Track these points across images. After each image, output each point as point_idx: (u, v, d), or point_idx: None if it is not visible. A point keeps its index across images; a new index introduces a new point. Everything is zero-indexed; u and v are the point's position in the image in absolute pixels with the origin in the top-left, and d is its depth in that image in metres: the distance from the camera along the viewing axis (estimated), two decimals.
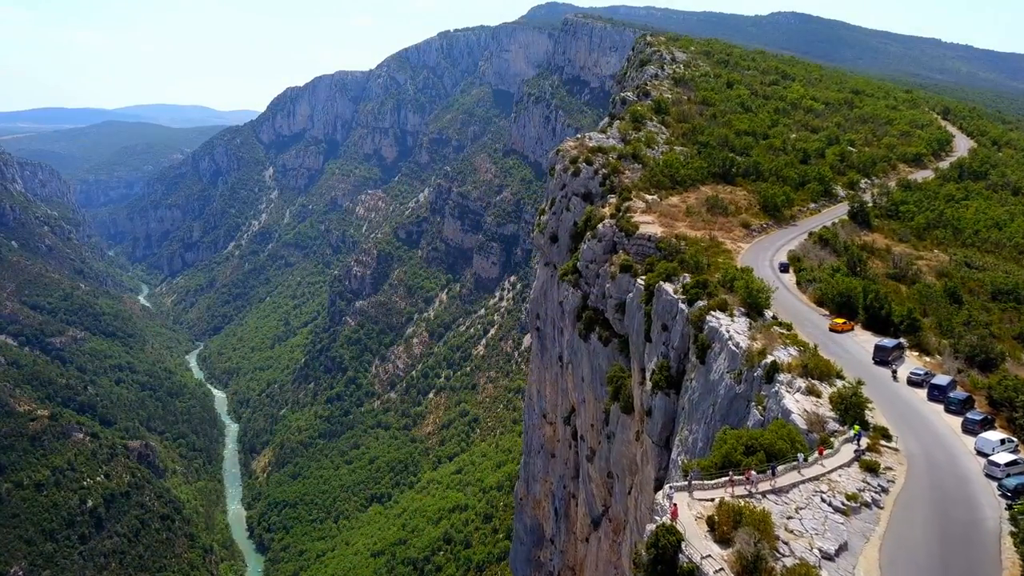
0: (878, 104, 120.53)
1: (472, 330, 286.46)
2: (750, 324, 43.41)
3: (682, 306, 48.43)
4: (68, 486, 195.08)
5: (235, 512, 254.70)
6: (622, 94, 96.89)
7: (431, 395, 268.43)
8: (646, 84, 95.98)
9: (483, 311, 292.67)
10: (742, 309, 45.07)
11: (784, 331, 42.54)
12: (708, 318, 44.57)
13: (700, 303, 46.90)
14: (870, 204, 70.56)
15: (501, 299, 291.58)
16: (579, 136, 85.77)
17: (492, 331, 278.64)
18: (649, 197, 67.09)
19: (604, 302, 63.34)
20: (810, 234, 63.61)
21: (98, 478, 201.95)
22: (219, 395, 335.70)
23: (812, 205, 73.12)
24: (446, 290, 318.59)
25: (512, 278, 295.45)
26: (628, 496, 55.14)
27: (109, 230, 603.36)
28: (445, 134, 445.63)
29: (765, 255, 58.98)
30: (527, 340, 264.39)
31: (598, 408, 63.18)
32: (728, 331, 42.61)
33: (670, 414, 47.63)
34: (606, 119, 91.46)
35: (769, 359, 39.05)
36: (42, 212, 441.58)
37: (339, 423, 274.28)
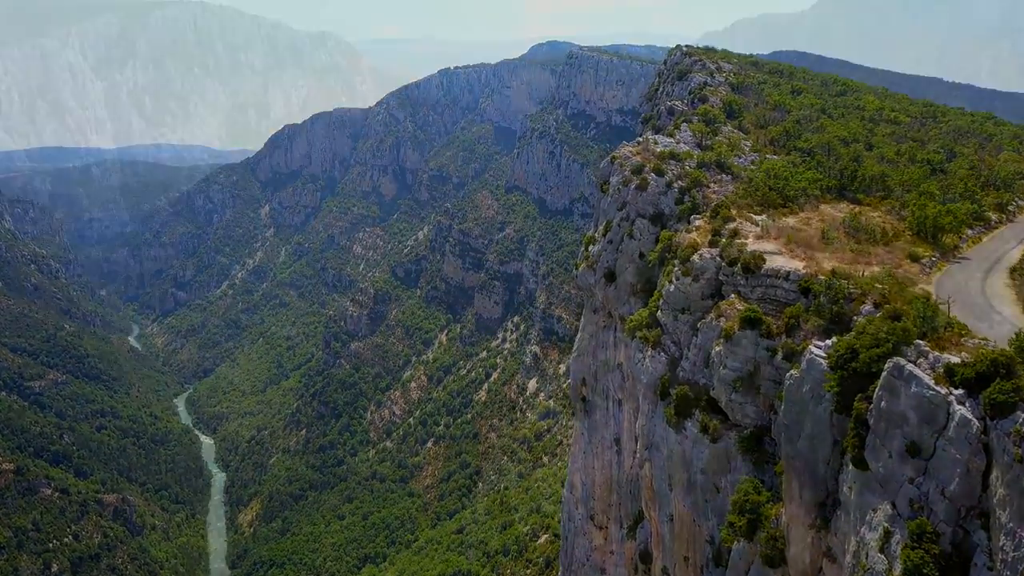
0: (962, 119, 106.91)
1: (473, 374, 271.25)
2: None
3: (959, 409, 26.17)
4: (31, 548, 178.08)
5: (218, 571, 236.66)
6: (670, 102, 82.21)
7: (429, 444, 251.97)
8: (701, 89, 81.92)
9: (485, 353, 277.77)
10: None
11: None
12: None
13: None
14: None
15: (504, 340, 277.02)
16: (640, 139, 66.22)
17: (494, 375, 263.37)
18: (758, 217, 49.75)
19: (709, 374, 42.73)
20: (1012, 270, 43.46)
21: (65, 539, 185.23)
22: (207, 441, 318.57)
23: (969, 232, 55.57)
24: (446, 331, 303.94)
25: (515, 319, 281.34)
26: None
27: (102, 268, 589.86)
28: (445, 171, 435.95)
29: (973, 300, 38.96)
30: (532, 385, 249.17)
31: (698, 534, 43.68)
32: None
33: None
34: (647, 132, 76.25)
35: None
36: (29, 250, 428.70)
37: (331, 474, 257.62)
